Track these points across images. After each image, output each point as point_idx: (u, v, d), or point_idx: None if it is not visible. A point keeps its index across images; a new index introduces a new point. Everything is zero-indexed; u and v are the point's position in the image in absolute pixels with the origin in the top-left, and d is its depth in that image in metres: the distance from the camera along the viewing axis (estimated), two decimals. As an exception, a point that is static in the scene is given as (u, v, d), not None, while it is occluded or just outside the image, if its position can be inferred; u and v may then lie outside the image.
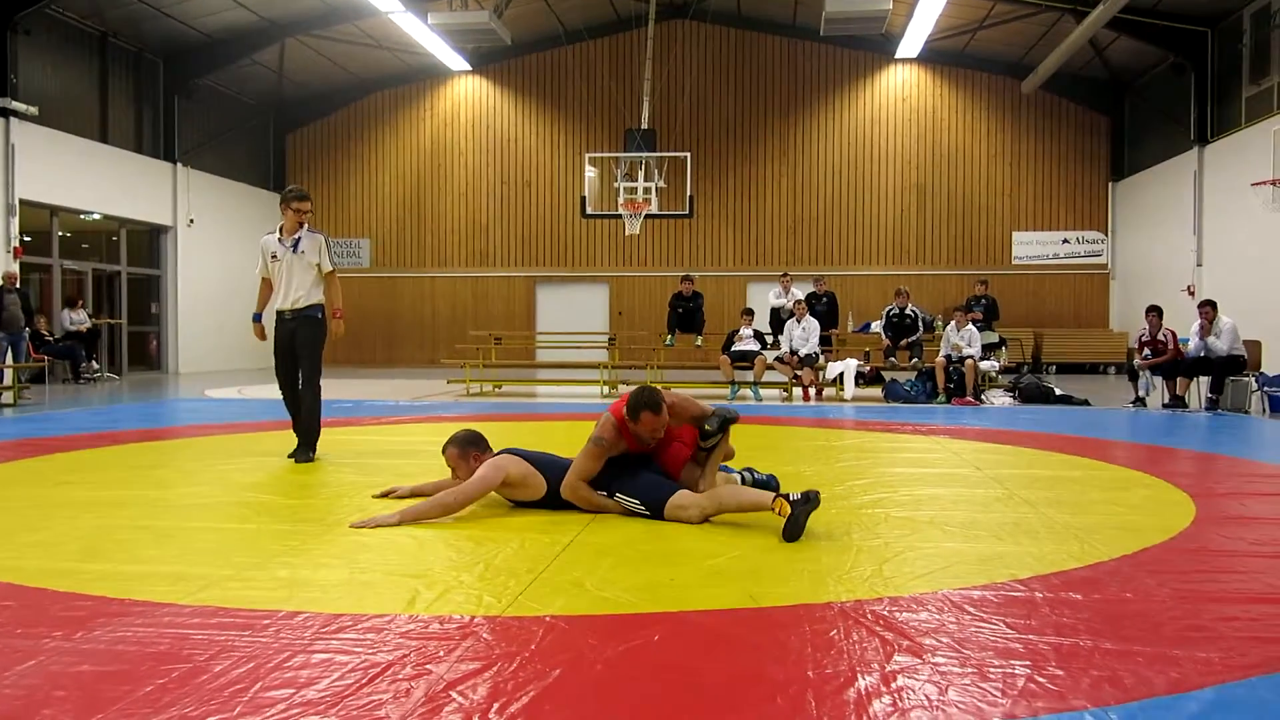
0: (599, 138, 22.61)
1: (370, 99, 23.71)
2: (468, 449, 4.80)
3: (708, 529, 4.26)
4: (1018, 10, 18.69)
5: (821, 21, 15.40)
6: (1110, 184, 21.93)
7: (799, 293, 15.55)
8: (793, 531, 3.99)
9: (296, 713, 2.25)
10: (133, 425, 9.37)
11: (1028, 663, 2.58)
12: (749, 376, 13.38)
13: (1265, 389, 11.01)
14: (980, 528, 4.37)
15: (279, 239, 6.54)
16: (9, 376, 12.64)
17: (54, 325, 16.49)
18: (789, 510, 3.99)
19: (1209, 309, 11.61)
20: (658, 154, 18.13)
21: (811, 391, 13.06)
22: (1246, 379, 11.30)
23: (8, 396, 12.19)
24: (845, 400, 12.85)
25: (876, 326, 15.19)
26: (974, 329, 13.12)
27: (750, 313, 14.34)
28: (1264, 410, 10.85)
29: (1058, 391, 12.65)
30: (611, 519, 4.46)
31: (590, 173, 18.84)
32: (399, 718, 2.22)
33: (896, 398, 12.76)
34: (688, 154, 18.80)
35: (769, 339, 14.53)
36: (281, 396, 6.64)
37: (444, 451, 4.90)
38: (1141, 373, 11.97)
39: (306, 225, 6.59)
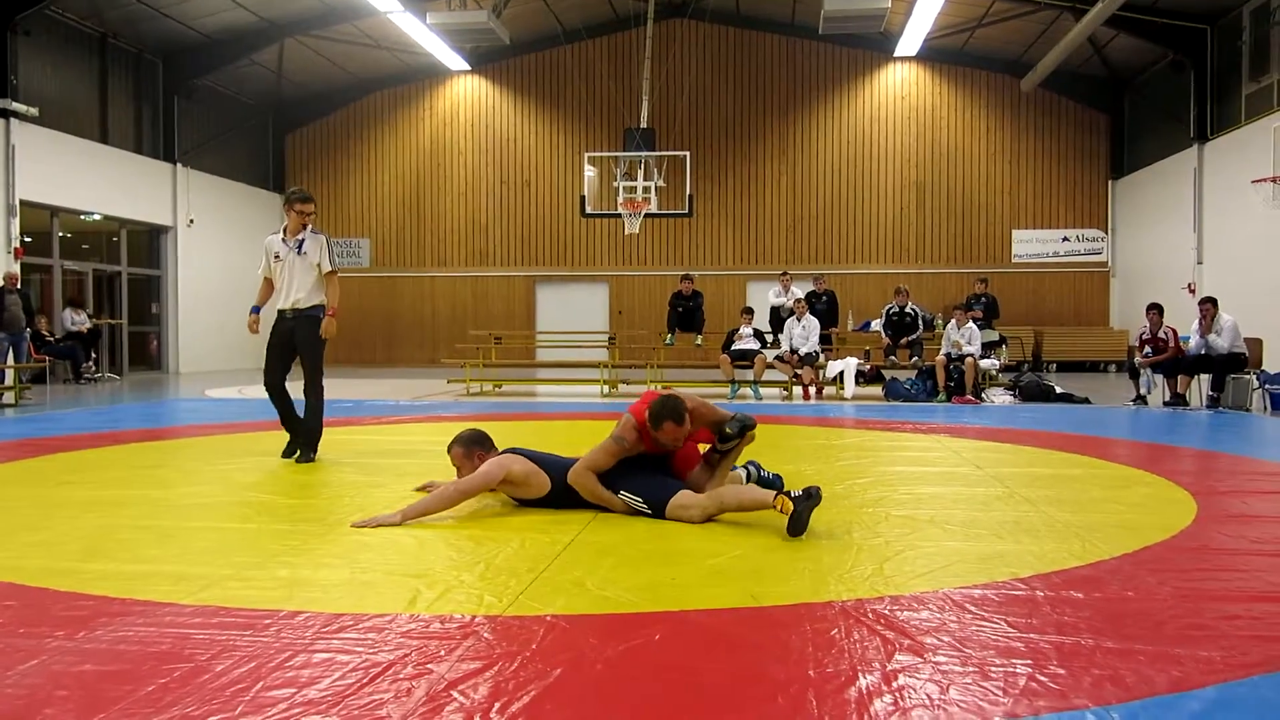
0: (598, 137, 22.60)
1: (369, 99, 23.71)
2: (472, 448, 4.82)
3: (709, 528, 4.26)
4: (1016, 8, 18.69)
5: (820, 20, 15.40)
6: (1110, 182, 21.93)
7: (799, 291, 15.55)
8: (796, 527, 3.99)
9: (298, 712, 2.25)
10: (133, 425, 9.37)
11: (1029, 661, 2.58)
12: (749, 375, 13.38)
13: (1266, 386, 11.01)
14: (981, 526, 4.37)
15: (282, 239, 6.56)
16: (10, 377, 12.64)
17: (55, 325, 16.50)
18: (791, 507, 3.99)
19: (1209, 306, 11.60)
20: (657, 153, 18.13)
21: (811, 390, 13.06)
22: (1247, 377, 11.30)
23: (9, 397, 12.19)
24: (845, 399, 12.84)
25: (876, 325, 15.19)
26: (974, 327, 13.11)
27: (750, 311, 14.34)
28: (1265, 408, 10.84)
29: (1058, 390, 12.64)
30: (613, 518, 4.46)
31: (590, 172, 18.84)
32: (400, 717, 2.22)
33: (897, 396, 12.75)
34: (687, 153, 18.80)
35: (769, 338, 14.53)
36: (268, 394, 6.62)
37: (449, 450, 4.91)
38: (1142, 371, 11.97)
39: (310, 226, 6.60)
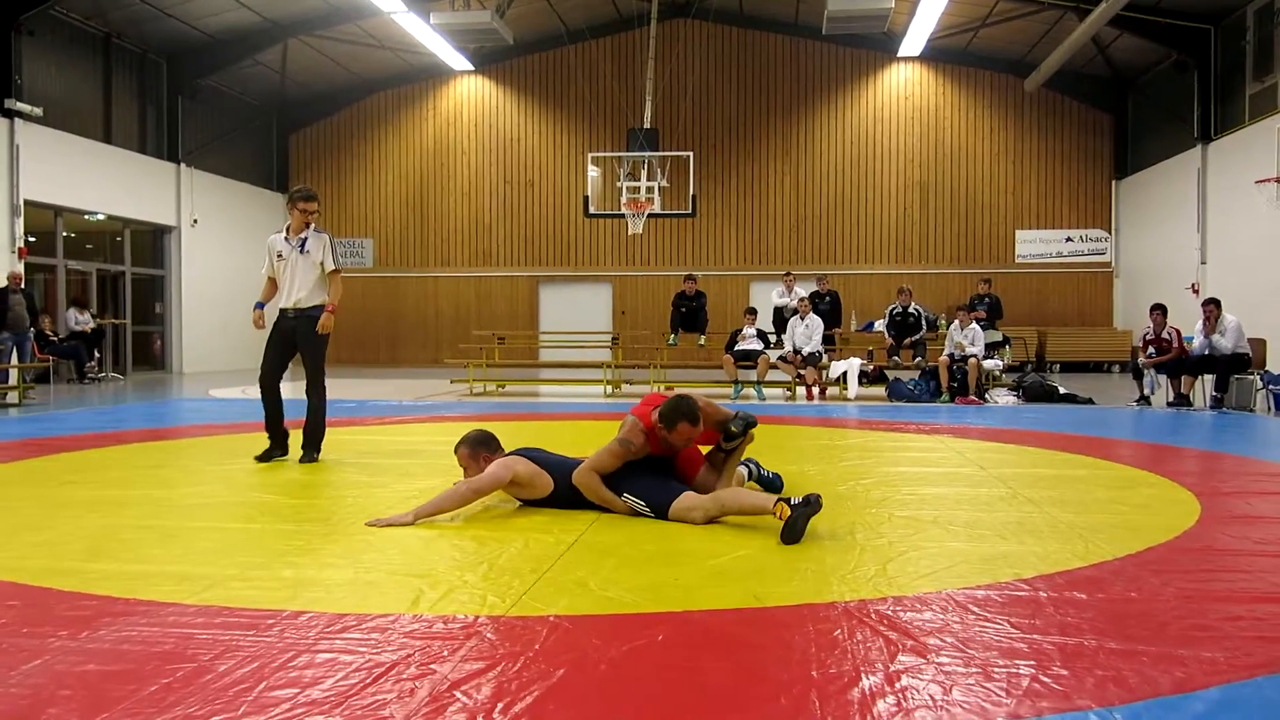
0: (602, 137, 22.61)
1: (373, 99, 23.73)
2: (478, 449, 4.85)
3: (711, 529, 4.26)
4: (1020, 8, 18.67)
5: (824, 20, 15.38)
6: (1114, 182, 21.89)
7: (802, 292, 15.54)
8: (790, 535, 3.97)
9: (301, 712, 2.25)
10: (137, 425, 9.39)
11: (1032, 662, 2.58)
12: (752, 376, 13.38)
13: (1270, 387, 10.98)
14: (984, 527, 4.37)
15: (285, 238, 6.55)
16: (14, 377, 12.66)
17: (58, 325, 16.52)
18: (789, 514, 3.99)
19: (1213, 307, 11.58)
20: (660, 153, 18.12)
21: (815, 390, 13.06)
22: (1251, 377, 11.29)
23: (13, 396, 12.22)
24: (849, 399, 12.84)
25: (880, 325, 15.18)
26: (977, 328, 13.10)
27: (753, 312, 14.34)
28: (1269, 409, 10.83)
29: (1061, 390, 12.62)
30: (616, 519, 4.46)
31: (593, 172, 18.84)
32: (403, 717, 2.22)
33: (900, 397, 12.74)
34: (690, 153, 18.79)
35: (772, 338, 14.52)
36: (260, 392, 6.57)
37: (456, 451, 4.94)
38: (1146, 371, 11.95)
39: (313, 225, 6.60)
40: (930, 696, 2.36)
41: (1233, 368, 11.26)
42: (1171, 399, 11.68)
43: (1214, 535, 4.18)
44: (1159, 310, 12.09)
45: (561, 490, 4.63)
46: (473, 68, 22.54)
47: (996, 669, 2.53)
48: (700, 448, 4.93)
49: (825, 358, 13.46)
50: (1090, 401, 12.14)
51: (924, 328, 14.14)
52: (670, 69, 22.13)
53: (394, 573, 3.56)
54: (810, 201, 22.61)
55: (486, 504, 4.75)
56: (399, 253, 23.72)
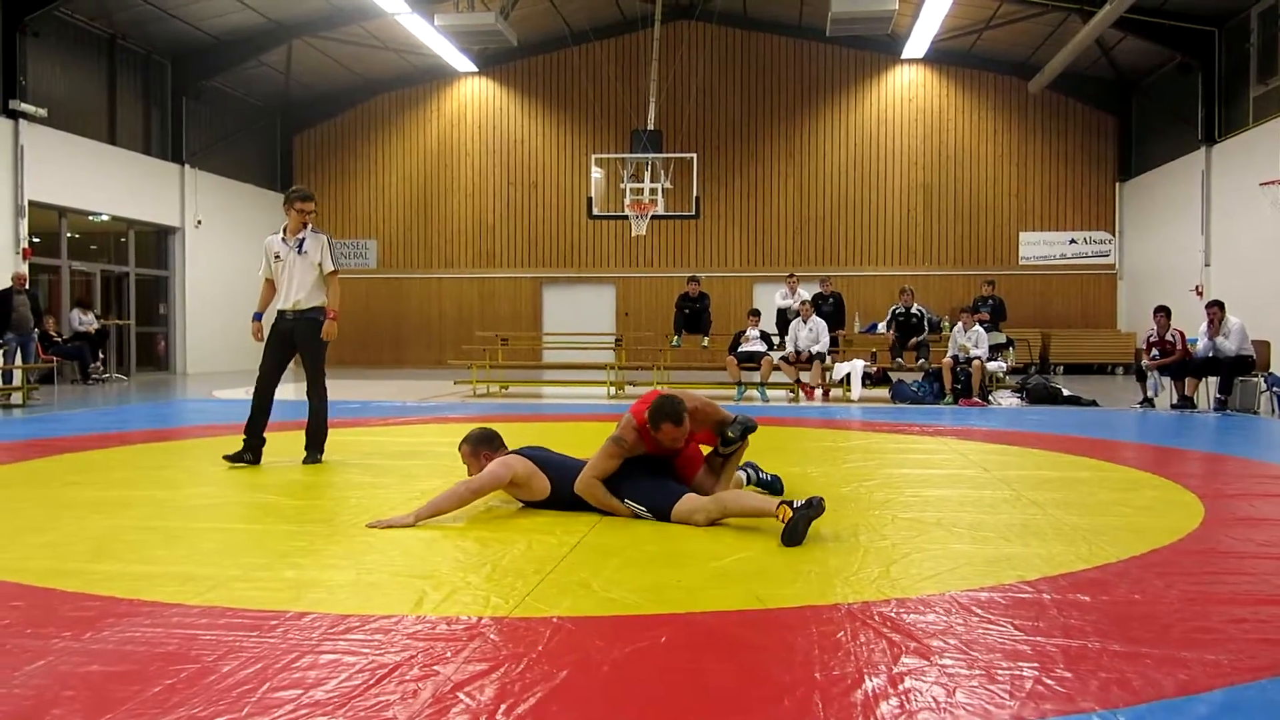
0: (605, 139, 22.61)
1: (377, 100, 23.75)
2: (479, 447, 4.86)
3: (714, 531, 4.26)
4: (1024, 10, 18.65)
5: (828, 22, 15.37)
6: (1117, 184, 21.86)
7: (805, 293, 15.55)
8: (791, 537, 3.96)
9: (304, 713, 2.25)
10: (141, 426, 9.40)
11: (1035, 665, 2.57)
12: (755, 377, 13.38)
13: (1274, 389, 10.97)
14: (988, 529, 4.36)
15: (282, 239, 6.51)
16: (18, 377, 12.69)
17: (62, 326, 16.55)
18: (790, 516, 3.98)
19: (1217, 309, 11.57)
20: (664, 155, 18.12)
21: (817, 392, 13.05)
22: (1255, 379, 11.26)
23: (17, 397, 12.24)
24: (852, 401, 12.84)
25: (883, 328, 15.18)
26: (981, 329, 13.10)
27: (757, 313, 14.34)
28: (1273, 411, 10.81)
29: (1065, 392, 12.61)
30: (619, 520, 4.47)
31: (597, 174, 18.85)
32: (406, 719, 2.22)
33: (903, 398, 12.73)
34: (694, 155, 18.78)
35: (775, 339, 14.52)
36: (253, 395, 6.49)
37: (459, 448, 4.95)
38: (1149, 373, 11.94)
39: (310, 225, 6.55)
40: (933, 699, 2.36)
41: (1236, 370, 11.24)
42: (1175, 401, 11.67)
43: (1218, 538, 4.18)
44: (1163, 312, 12.08)
45: (560, 493, 4.63)
46: (477, 69, 22.56)
47: (1000, 671, 2.53)
48: (702, 448, 4.92)
49: (829, 359, 13.45)
50: (1094, 403, 12.12)
51: (927, 329, 14.12)
52: (674, 71, 22.13)
53: (397, 574, 3.56)
54: (814, 203, 22.60)
55: (490, 505, 4.76)
56: (403, 254, 23.74)
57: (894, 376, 13.48)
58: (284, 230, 6.55)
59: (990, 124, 22.27)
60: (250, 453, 6.37)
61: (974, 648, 2.72)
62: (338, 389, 14.62)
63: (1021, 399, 12.56)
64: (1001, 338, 14.87)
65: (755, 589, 3.34)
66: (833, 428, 9.38)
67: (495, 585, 3.39)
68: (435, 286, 23.62)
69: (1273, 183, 15.05)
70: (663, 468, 4.70)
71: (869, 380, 13.32)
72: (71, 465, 6.53)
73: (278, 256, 6.50)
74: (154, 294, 20.09)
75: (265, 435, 6.46)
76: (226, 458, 6.31)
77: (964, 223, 22.31)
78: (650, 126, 19.38)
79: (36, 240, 16.36)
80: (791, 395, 13.43)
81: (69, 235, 17.46)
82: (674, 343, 15.38)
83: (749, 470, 5.16)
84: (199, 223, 20.22)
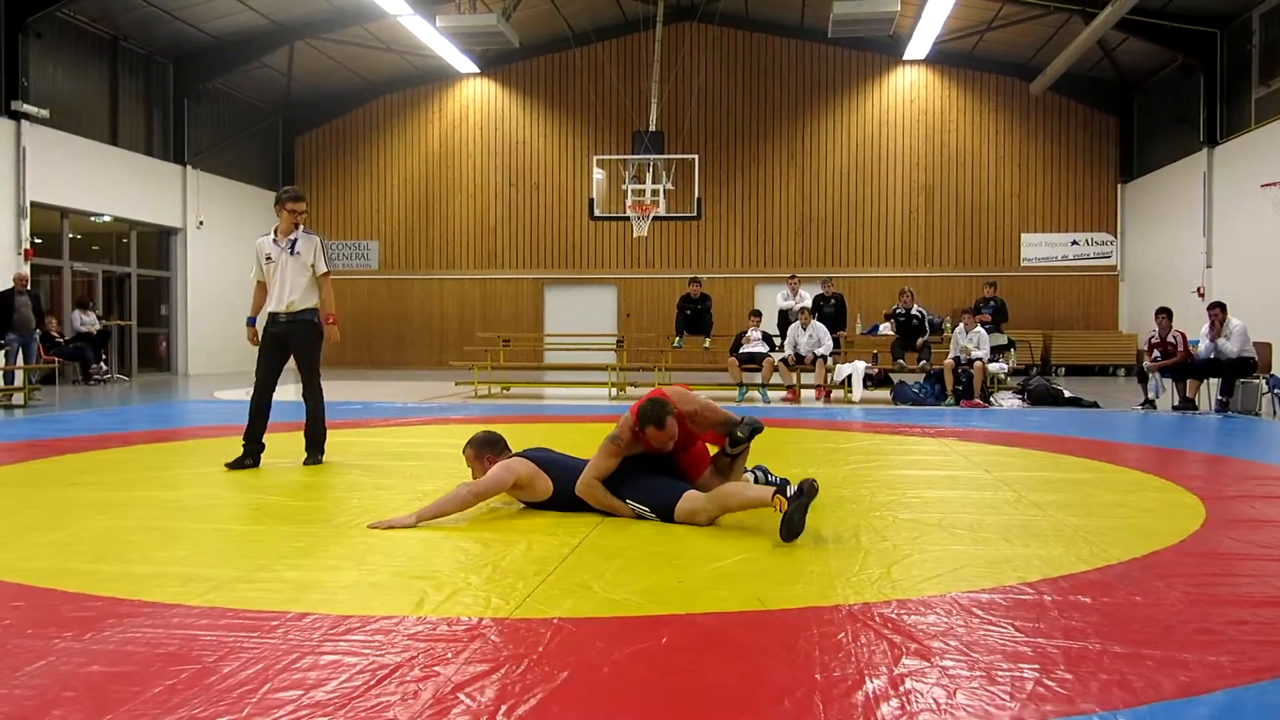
0: (607, 140, 22.62)
1: (379, 101, 23.77)
2: (483, 450, 4.87)
3: (715, 531, 4.26)
4: (1026, 11, 18.65)
5: (829, 23, 15.40)
6: (1119, 185, 21.85)
7: (807, 294, 15.56)
8: (789, 531, 3.95)
9: (305, 714, 2.25)
10: (142, 426, 9.41)
11: (1036, 666, 2.57)
12: (757, 378, 13.38)
13: (1276, 391, 10.96)
14: (989, 530, 4.36)
15: (273, 240, 6.43)
16: (20, 378, 12.70)
17: (64, 327, 16.57)
18: (786, 508, 3.97)
19: (1218, 311, 11.56)
20: (666, 156, 18.13)
21: (803, 393, 13.06)
22: (1257, 381, 11.26)
23: (18, 398, 12.25)
24: (853, 402, 12.84)
25: (885, 329, 15.18)
26: (983, 331, 13.09)
27: (758, 314, 14.35)
28: (1275, 413, 10.80)
29: (1067, 394, 12.61)
30: (620, 521, 4.47)
31: (598, 175, 18.86)
32: (407, 719, 2.22)
33: (905, 400, 12.73)
34: (696, 156, 18.79)
35: (777, 340, 14.53)
36: (250, 401, 6.41)
37: (464, 451, 4.97)
38: (1151, 375, 11.93)
39: (302, 226, 6.50)
40: (934, 700, 2.36)
41: (1238, 371, 11.24)
42: (1176, 403, 11.66)
43: (1219, 539, 4.17)
44: (1164, 314, 12.07)
45: (562, 494, 4.64)
46: (478, 70, 22.57)
47: (1000, 673, 2.53)
48: (710, 448, 4.93)
49: (831, 360, 13.46)
50: (1095, 405, 12.12)
51: (927, 330, 14.11)
52: (676, 72, 22.13)
53: (398, 575, 3.56)
54: (815, 204, 22.60)
55: (491, 506, 4.76)
56: (404, 255, 23.75)
57: (895, 378, 13.48)
58: (275, 231, 6.48)
59: (992, 125, 22.27)
60: (250, 458, 6.33)
61: (975, 649, 2.72)
62: (339, 390, 14.68)
63: (1023, 400, 12.55)
64: (1003, 339, 14.87)
65: (756, 590, 3.34)
66: (834, 429, 9.38)
67: (496, 586, 3.39)
68: (437, 287, 23.62)
69: (1275, 184, 15.05)
70: (665, 467, 4.69)
71: (870, 382, 13.32)
72: (73, 466, 6.53)
73: (269, 258, 6.43)
74: (155, 295, 20.11)
75: (264, 440, 6.43)
76: (228, 465, 6.24)
77: (966, 224, 22.30)
78: (652, 127, 19.39)
79: (38, 241, 16.37)
80: (786, 397, 13.42)
81: (71, 236, 17.48)
82: (675, 344, 15.39)
83: (757, 473, 5.16)
84: (200, 224, 20.23)
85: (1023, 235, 22.17)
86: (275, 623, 2.93)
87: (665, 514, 4.41)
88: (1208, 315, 11.70)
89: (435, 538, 4.19)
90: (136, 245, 19.18)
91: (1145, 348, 12.38)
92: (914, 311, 14.12)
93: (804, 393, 13.53)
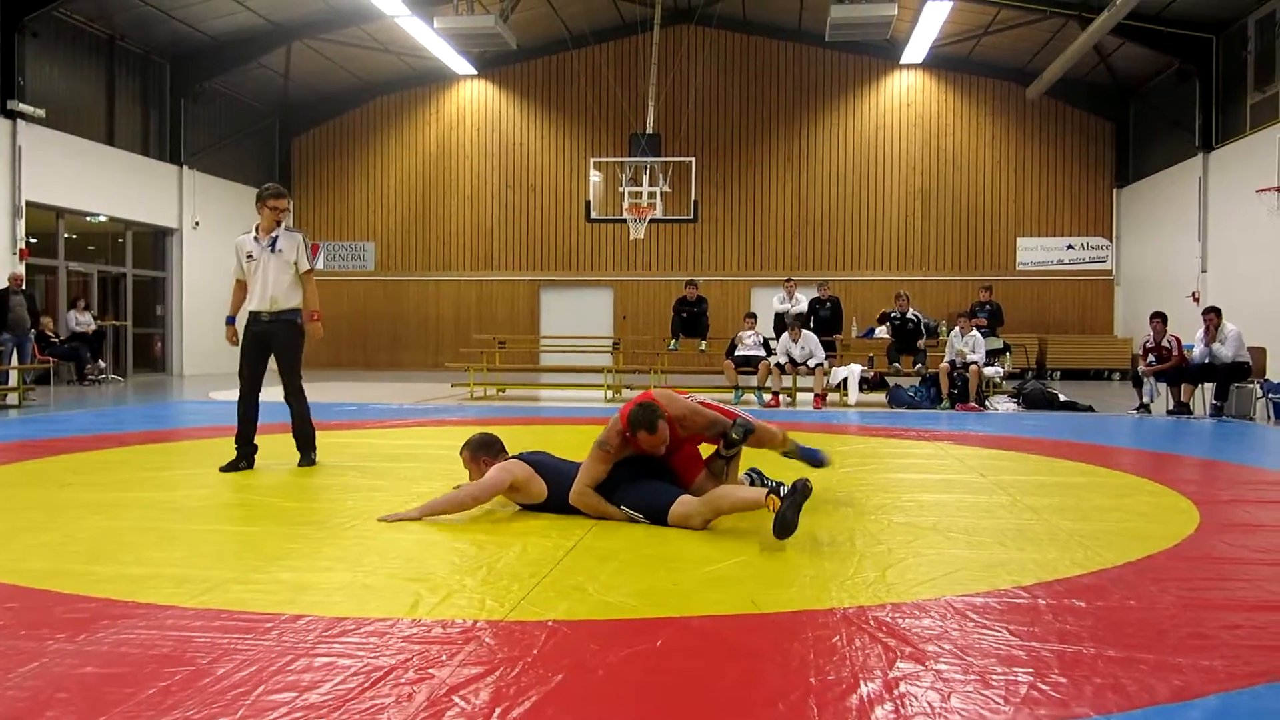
0: (604, 142, 22.62)
1: (376, 103, 23.75)
2: (479, 453, 4.89)
3: (710, 535, 4.26)
4: (1022, 16, 18.68)
5: (827, 27, 15.42)
6: (1115, 190, 21.90)
7: (803, 298, 15.56)
8: (783, 529, 3.94)
9: (299, 716, 2.25)
10: (137, 427, 9.39)
11: (1031, 670, 2.58)
12: (753, 381, 13.38)
13: (1270, 396, 10.98)
14: (984, 534, 4.37)
15: (254, 238, 6.36)
16: (14, 378, 12.67)
17: (59, 327, 16.54)
18: (780, 505, 3.97)
19: (1214, 315, 11.58)
20: (663, 159, 18.14)
21: (817, 398, 13.06)
22: (1251, 386, 11.28)
23: (13, 398, 12.22)
24: (849, 405, 12.84)
25: (881, 332, 15.19)
26: (978, 335, 13.10)
27: (753, 316, 14.35)
28: (1269, 417, 10.82)
29: (1062, 398, 12.63)
30: (615, 524, 4.46)
31: (595, 177, 18.86)
32: (401, 722, 2.22)
33: (900, 403, 12.74)
34: (692, 159, 18.80)
35: (774, 343, 14.52)
36: (238, 404, 6.37)
37: (460, 454, 4.99)
38: (1146, 379, 11.95)
39: (284, 224, 6.44)
40: (928, 704, 2.36)
41: (1233, 376, 11.26)
42: (1171, 407, 11.68)
43: (1213, 543, 4.18)
44: (1159, 318, 12.09)
45: (556, 497, 4.64)
46: (476, 72, 22.57)
47: (995, 676, 2.53)
48: (706, 448, 4.93)
49: (826, 364, 13.46)
50: (1090, 409, 12.14)
51: (923, 334, 14.12)
52: (673, 75, 22.15)
53: (392, 577, 3.56)
54: (812, 208, 22.62)
55: (486, 508, 4.76)
56: (400, 256, 23.73)
57: (891, 381, 13.49)
58: (256, 229, 6.40)
59: (988, 129, 22.31)
60: (244, 460, 6.30)
61: (969, 653, 2.72)
62: (334, 391, 14.66)
63: (1018, 404, 12.57)
64: (998, 343, 14.88)
65: (751, 593, 3.34)
66: (829, 432, 9.39)
67: (491, 588, 3.39)
68: (433, 289, 23.61)
69: (1269, 190, 15.09)
70: (658, 470, 4.69)
71: (866, 385, 13.32)
72: (68, 466, 6.52)
73: (250, 256, 6.34)
74: (151, 295, 20.08)
75: (256, 442, 6.39)
76: (222, 469, 6.20)
77: (962, 228, 22.33)
78: (649, 130, 19.40)
79: (34, 241, 16.34)
80: (789, 400, 13.41)
81: (66, 236, 17.44)
82: (671, 346, 15.39)
83: (753, 475, 5.16)
84: (197, 224, 20.20)
85: (1018, 239, 22.21)
86: (270, 624, 2.92)
87: (658, 518, 4.41)
88: (1203, 320, 11.72)
89: (430, 540, 4.19)
90: (132, 245, 19.15)
91: (1140, 352, 12.40)
92: (909, 315, 14.13)
93: (799, 395, 13.51)
